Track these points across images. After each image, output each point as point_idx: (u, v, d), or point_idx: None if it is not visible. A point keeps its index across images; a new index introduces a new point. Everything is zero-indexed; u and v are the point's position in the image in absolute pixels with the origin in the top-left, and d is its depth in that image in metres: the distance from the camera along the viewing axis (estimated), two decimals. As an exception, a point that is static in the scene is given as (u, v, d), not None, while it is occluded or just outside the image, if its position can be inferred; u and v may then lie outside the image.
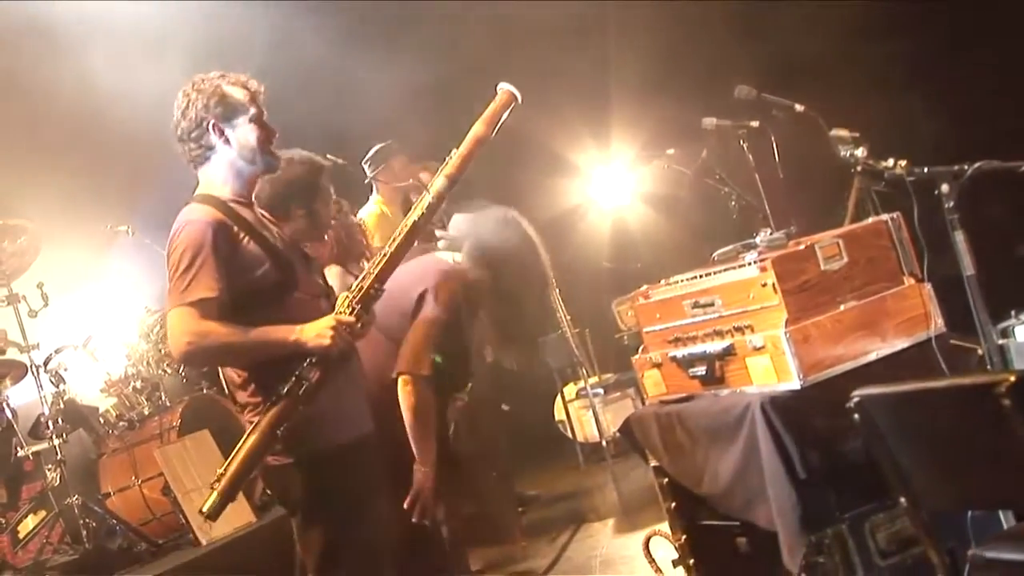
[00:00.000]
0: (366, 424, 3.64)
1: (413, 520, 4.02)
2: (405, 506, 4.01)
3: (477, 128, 3.77)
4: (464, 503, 4.36)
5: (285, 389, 3.37)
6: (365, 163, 6.98)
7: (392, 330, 4.11)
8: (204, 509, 3.34)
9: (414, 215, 3.65)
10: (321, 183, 4.42)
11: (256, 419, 3.43)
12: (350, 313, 3.47)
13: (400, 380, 4.08)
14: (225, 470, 3.33)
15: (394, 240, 3.64)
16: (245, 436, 3.36)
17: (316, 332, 3.39)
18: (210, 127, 3.49)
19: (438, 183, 3.68)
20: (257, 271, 3.46)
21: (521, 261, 4.29)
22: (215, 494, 3.32)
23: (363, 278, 3.56)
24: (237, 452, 3.35)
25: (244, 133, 3.51)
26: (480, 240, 4.28)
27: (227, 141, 3.51)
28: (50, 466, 6.41)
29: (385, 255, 3.61)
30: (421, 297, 4.13)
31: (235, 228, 3.45)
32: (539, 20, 7.92)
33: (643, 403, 4.43)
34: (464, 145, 3.73)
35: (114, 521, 6.34)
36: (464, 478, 4.31)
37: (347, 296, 3.52)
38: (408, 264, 4.10)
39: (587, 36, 8.18)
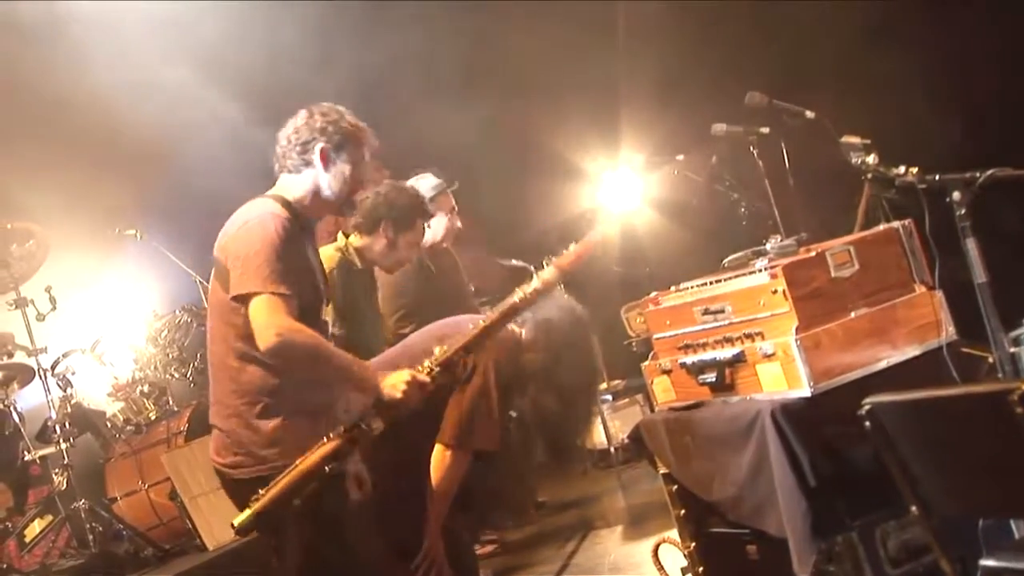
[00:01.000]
0: None
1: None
2: (412, 567, 4.00)
3: (599, 231, 3.80)
4: (476, 495, 4.32)
5: (343, 429, 3.36)
6: None
7: (416, 354, 4.08)
8: (236, 523, 3.32)
9: (515, 296, 3.67)
10: (418, 223, 4.50)
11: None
12: (427, 374, 3.47)
13: (439, 446, 4.05)
14: (266, 491, 3.31)
15: (490, 316, 3.67)
16: (293, 464, 3.32)
17: (392, 383, 3.39)
18: (318, 149, 3.56)
19: (547, 273, 3.72)
20: (305, 286, 3.48)
21: (579, 359, 4.26)
22: (250, 512, 3.29)
23: (450, 345, 3.57)
24: (282, 477, 3.31)
25: (342, 170, 3.59)
26: (546, 322, 4.21)
27: (327, 167, 3.57)
28: (57, 470, 6.42)
29: (477, 327, 3.62)
30: (480, 364, 4.06)
31: (302, 238, 3.53)
32: (549, 25, 7.92)
33: (652, 410, 4.42)
34: (582, 244, 3.78)
35: (120, 526, 6.35)
36: (476, 471, 4.25)
37: (432, 358, 3.52)
38: (473, 316, 4.12)
39: (597, 41, 8.16)
